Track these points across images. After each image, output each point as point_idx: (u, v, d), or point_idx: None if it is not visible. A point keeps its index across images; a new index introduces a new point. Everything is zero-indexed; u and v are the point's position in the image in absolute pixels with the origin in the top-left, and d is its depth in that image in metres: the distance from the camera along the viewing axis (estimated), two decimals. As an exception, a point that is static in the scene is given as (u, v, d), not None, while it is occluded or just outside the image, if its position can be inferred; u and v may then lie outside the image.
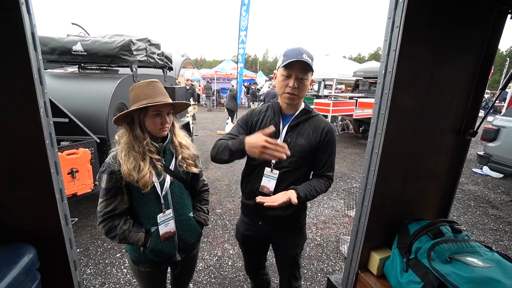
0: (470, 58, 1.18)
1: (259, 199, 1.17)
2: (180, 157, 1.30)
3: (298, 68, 1.23)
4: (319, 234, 3.16)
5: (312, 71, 1.27)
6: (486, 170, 5.43)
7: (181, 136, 1.35)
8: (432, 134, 1.24)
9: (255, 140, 1.11)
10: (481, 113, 1.54)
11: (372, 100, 7.93)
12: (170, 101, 1.23)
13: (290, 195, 1.19)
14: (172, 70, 4.74)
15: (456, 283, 0.89)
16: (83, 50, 3.34)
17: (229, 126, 8.54)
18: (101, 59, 3.43)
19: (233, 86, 11.70)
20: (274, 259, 2.51)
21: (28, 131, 0.93)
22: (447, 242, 1.05)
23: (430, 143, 1.25)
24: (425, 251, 1.06)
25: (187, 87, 17.13)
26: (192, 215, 1.39)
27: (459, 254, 1.03)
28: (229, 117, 9.86)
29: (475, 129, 1.27)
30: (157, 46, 4.02)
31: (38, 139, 0.94)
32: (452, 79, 1.17)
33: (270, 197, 1.20)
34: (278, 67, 1.31)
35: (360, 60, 45.95)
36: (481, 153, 4.53)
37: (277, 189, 1.33)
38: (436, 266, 0.99)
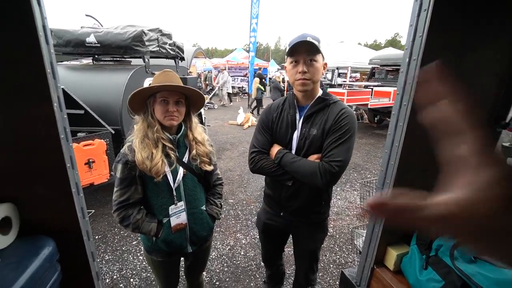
0: (505, 46, 1.07)
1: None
2: (194, 152, 1.28)
3: (304, 51, 1.16)
4: (331, 225, 3.13)
5: (320, 52, 1.18)
6: (511, 162, 5.17)
7: (197, 132, 1.33)
8: (457, 126, 1.16)
9: None
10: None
11: (388, 89, 7.64)
12: (178, 86, 1.16)
13: None
14: (184, 60, 4.71)
15: (482, 284, 0.85)
16: (96, 42, 3.36)
17: (241, 116, 8.49)
18: (114, 51, 3.44)
19: (272, 76, 11.72)
20: (290, 249, 2.52)
21: (42, 125, 0.94)
22: (472, 241, 1.00)
23: (455, 135, 1.18)
24: (448, 249, 1.01)
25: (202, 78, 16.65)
26: (204, 209, 1.39)
27: (485, 254, 0.97)
28: (241, 107, 9.81)
29: (507, 121, 1.18)
30: (169, 36, 3.99)
31: (53, 134, 0.94)
32: (483, 67, 1.07)
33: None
34: (286, 58, 1.25)
35: (376, 47, 44.32)
36: (507, 144, 4.29)
37: (296, 182, 1.31)
38: (460, 265, 0.94)
